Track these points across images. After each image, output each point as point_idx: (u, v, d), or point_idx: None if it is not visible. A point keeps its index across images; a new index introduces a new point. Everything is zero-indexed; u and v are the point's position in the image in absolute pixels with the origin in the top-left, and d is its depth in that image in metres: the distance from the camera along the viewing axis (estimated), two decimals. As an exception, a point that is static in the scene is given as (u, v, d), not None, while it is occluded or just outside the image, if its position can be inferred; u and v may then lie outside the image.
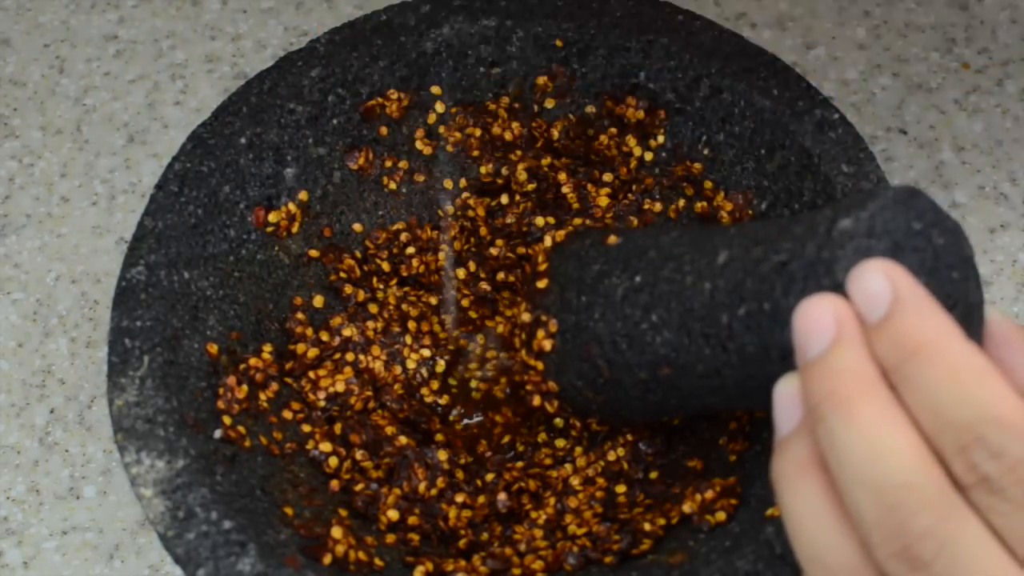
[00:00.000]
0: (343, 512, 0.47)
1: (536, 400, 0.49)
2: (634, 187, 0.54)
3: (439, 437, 0.51)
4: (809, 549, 0.32)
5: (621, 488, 0.48)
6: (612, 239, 0.47)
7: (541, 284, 0.49)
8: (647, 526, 0.46)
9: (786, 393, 0.34)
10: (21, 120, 0.66)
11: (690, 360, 0.41)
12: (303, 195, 0.52)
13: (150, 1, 0.70)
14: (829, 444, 0.31)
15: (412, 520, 0.47)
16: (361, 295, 0.53)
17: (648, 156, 0.54)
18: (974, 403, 0.30)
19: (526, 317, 0.49)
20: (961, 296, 0.34)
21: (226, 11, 0.70)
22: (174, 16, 0.70)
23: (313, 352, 0.51)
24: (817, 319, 0.32)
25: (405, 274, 0.54)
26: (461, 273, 0.55)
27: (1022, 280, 0.60)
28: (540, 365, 0.48)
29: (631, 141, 0.54)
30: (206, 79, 0.67)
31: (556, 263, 0.50)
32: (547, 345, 0.48)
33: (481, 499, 0.49)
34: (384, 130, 0.54)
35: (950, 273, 0.34)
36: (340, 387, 0.50)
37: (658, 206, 0.54)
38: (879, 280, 0.32)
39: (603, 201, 0.54)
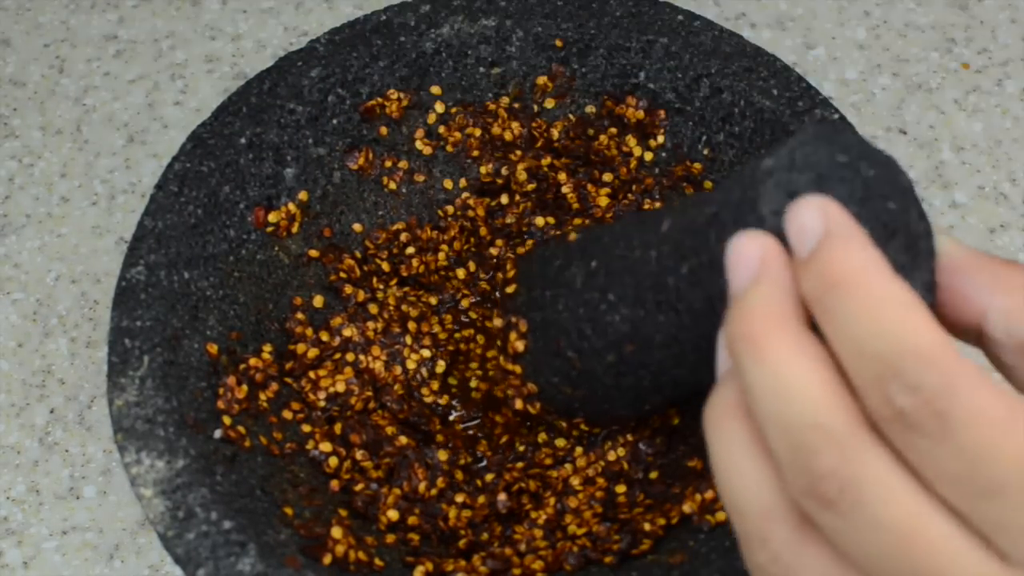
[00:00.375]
0: (343, 512, 0.47)
1: (519, 404, 0.49)
2: (634, 187, 0.54)
3: (439, 437, 0.51)
4: (731, 495, 0.32)
5: (621, 488, 0.48)
6: (572, 236, 0.48)
7: (510, 289, 0.50)
8: (647, 526, 0.46)
9: (721, 336, 0.33)
10: (21, 120, 0.66)
11: (649, 331, 0.42)
12: (303, 195, 0.52)
13: (150, 1, 0.70)
14: (745, 385, 0.31)
15: (412, 520, 0.47)
16: (361, 295, 0.53)
17: (648, 156, 0.54)
18: (892, 336, 0.29)
19: (498, 322, 0.49)
20: (901, 224, 0.34)
21: (226, 11, 0.70)
22: (174, 16, 0.70)
23: (313, 352, 0.51)
24: (741, 255, 0.32)
25: (405, 274, 0.54)
26: (461, 273, 0.55)
27: (1022, 280, 0.60)
28: (518, 369, 0.49)
29: (631, 141, 0.54)
30: (206, 79, 0.67)
31: (523, 268, 0.50)
32: (520, 346, 0.48)
33: (481, 499, 0.49)
34: (384, 130, 0.54)
35: (885, 203, 0.34)
36: (340, 387, 0.50)
37: (658, 206, 0.54)
38: (812, 215, 0.32)
39: (603, 201, 0.54)
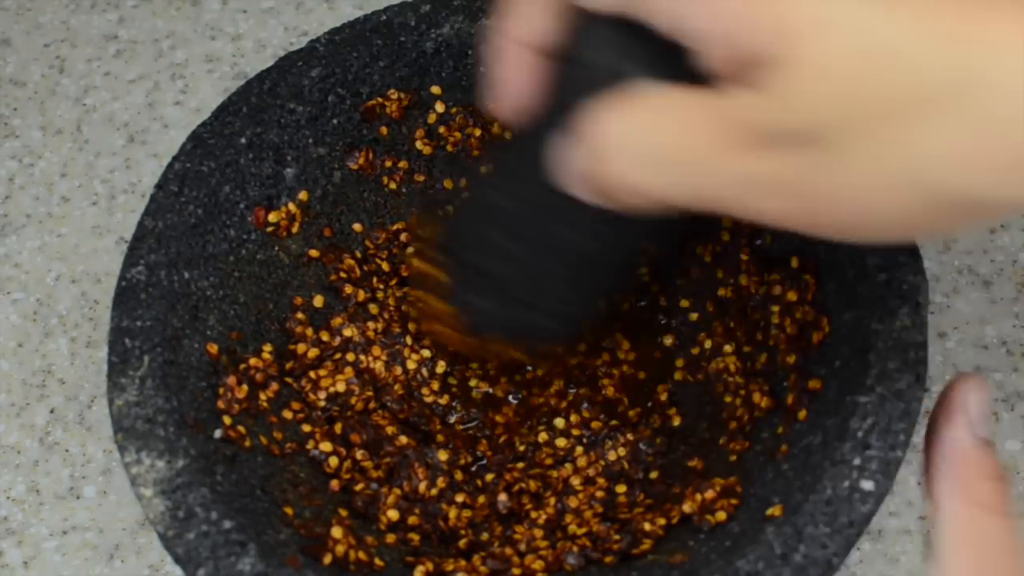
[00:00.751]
0: (343, 512, 0.47)
1: (457, 340, 0.48)
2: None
3: (439, 437, 0.51)
4: None
5: (621, 488, 0.49)
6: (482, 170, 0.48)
7: (426, 233, 0.49)
8: (647, 526, 0.46)
9: None
10: (21, 120, 0.66)
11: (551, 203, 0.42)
12: (303, 195, 0.52)
13: (150, 1, 0.70)
14: None
15: (412, 520, 0.47)
16: (361, 295, 0.53)
17: (648, 156, 0.54)
18: None
19: (421, 265, 0.48)
20: None
21: (226, 11, 0.70)
22: (174, 16, 0.70)
23: (313, 352, 0.51)
24: None
25: (405, 274, 0.54)
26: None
27: (1022, 280, 0.60)
28: (446, 307, 0.47)
29: (631, 141, 0.54)
30: (206, 79, 0.67)
31: (444, 222, 0.50)
32: (442, 277, 0.47)
33: (481, 499, 0.49)
34: (384, 130, 0.54)
35: None
36: (340, 387, 0.50)
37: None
38: None
39: (603, 201, 0.54)
